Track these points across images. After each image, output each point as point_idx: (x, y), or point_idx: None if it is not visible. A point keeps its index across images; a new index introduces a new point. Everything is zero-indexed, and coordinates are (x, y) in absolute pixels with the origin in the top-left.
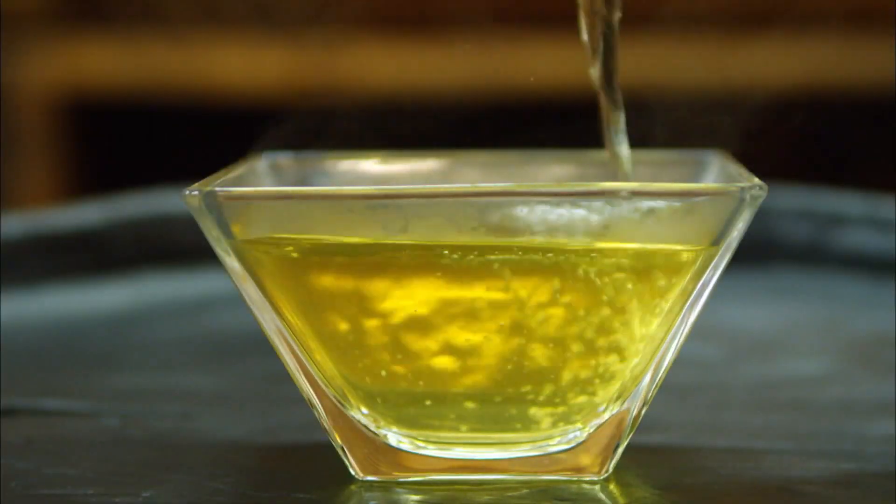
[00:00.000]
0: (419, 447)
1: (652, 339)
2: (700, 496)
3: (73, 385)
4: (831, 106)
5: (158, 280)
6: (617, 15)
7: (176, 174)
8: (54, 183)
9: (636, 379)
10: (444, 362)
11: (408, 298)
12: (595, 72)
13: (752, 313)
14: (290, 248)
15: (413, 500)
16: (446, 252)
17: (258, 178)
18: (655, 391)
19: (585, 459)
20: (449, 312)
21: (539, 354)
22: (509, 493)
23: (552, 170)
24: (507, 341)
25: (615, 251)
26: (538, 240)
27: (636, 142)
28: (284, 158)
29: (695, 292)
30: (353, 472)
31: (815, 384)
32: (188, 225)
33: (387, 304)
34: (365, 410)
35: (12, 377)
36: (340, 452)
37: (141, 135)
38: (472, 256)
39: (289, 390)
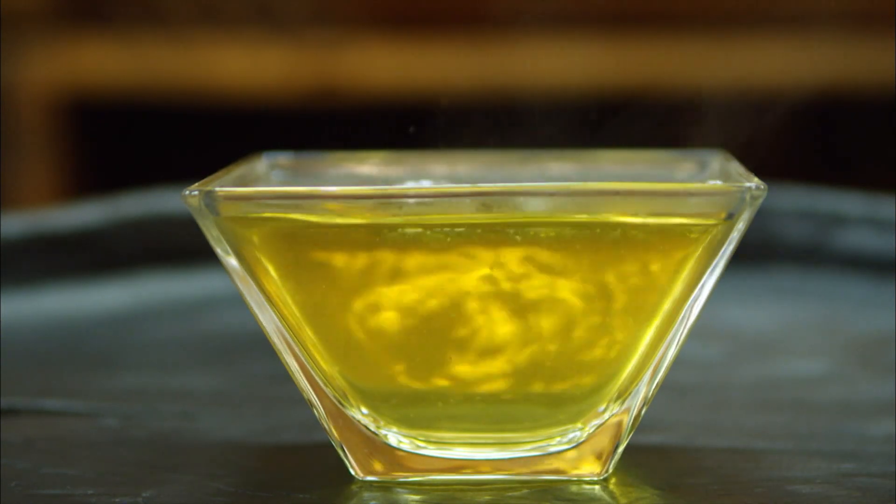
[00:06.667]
0: (419, 447)
1: (652, 338)
2: (700, 496)
3: (73, 385)
4: (832, 106)
5: (158, 280)
6: None
7: (176, 174)
8: (54, 183)
9: (636, 379)
10: (445, 361)
11: (408, 295)
12: None
13: (752, 313)
14: (290, 246)
15: (413, 500)
16: (447, 230)
17: (258, 178)
18: (655, 391)
19: (585, 459)
20: (449, 310)
21: (540, 353)
22: (509, 493)
23: (551, 169)
24: (507, 339)
25: (615, 246)
26: (537, 216)
27: (637, 141)
28: (284, 158)
29: (695, 291)
30: (353, 472)
31: (814, 384)
32: (188, 225)
33: (387, 304)
34: (365, 410)
35: (12, 377)
36: (340, 452)
37: (141, 135)
38: (465, 231)
39: (289, 390)
